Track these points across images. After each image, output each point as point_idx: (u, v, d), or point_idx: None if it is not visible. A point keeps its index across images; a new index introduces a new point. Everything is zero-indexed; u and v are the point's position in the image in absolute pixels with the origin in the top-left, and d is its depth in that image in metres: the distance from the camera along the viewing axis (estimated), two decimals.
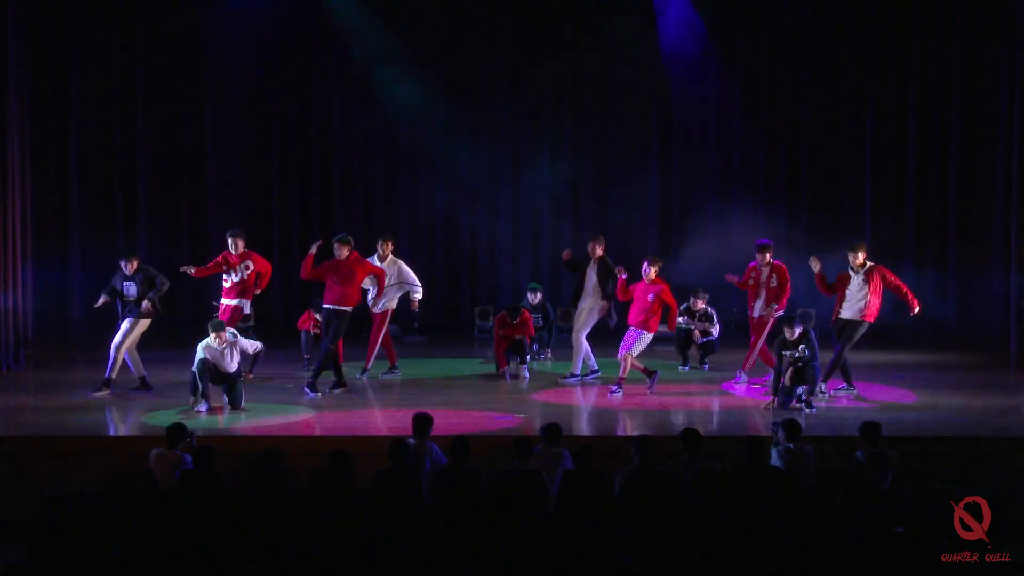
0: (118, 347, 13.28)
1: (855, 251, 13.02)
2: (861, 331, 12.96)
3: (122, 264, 13.53)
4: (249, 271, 14.27)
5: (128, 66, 19.27)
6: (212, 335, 12.38)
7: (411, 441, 9.56)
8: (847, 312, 12.97)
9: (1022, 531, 8.60)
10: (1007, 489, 9.43)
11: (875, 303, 12.90)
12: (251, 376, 12.53)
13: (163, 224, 19.55)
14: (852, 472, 9.34)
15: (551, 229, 19.95)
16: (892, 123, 19.23)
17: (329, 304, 13.47)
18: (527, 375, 14.63)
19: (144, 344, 13.66)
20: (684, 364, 15.38)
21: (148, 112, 19.42)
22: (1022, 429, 11.87)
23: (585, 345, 14.11)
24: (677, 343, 15.62)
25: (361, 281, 13.73)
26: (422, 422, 9.74)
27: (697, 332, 15.51)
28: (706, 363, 15.47)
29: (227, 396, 12.40)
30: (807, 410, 12.07)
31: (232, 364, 12.45)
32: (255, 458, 9.25)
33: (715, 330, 15.61)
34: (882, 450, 9.44)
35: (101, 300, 13.69)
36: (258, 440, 10.91)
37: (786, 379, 12.25)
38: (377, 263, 14.22)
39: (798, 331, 12.28)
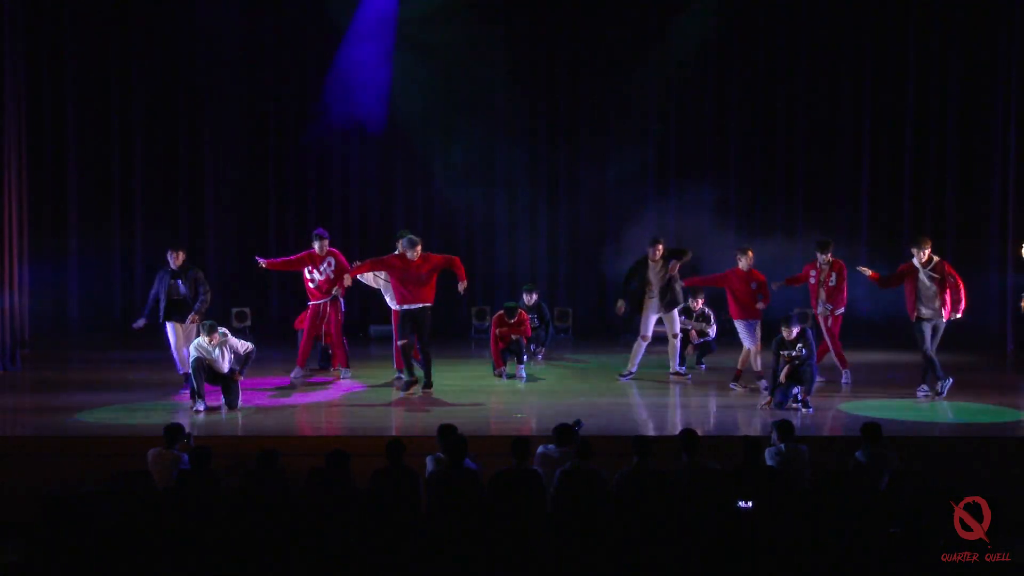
0: (179, 349, 13.43)
1: (921, 246, 12.96)
2: (941, 329, 13.02)
3: (168, 257, 13.60)
4: (332, 268, 14.35)
5: (125, 66, 19.27)
6: (204, 335, 12.39)
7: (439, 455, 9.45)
8: (927, 311, 12.95)
9: (1019, 531, 8.62)
10: (1004, 489, 9.44)
11: (946, 298, 12.87)
12: (241, 377, 12.53)
13: (160, 224, 19.54)
14: (851, 472, 9.34)
15: (548, 229, 19.97)
16: (889, 123, 19.26)
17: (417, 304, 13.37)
18: (524, 375, 14.63)
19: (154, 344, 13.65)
20: (681, 364, 15.38)
21: (145, 112, 19.43)
22: (1019, 429, 11.89)
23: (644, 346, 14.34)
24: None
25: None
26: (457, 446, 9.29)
27: (694, 332, 15.53)
28: (702, 363, 15.49)
29: (224, 396, 12.42)
30: (804, 410, 12.09)
31: (224, 364, 12.46)
32: (252, 458, 9.25)
33: (712, 330, 15.64)
34: (882, 450, 9.44)
35: (141, 322, 13.82)
36: (255, 440, 10.89)
37: (783, 379, 12.26)
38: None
39: (796, 331, 12.28)
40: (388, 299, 14.05)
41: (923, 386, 13.13)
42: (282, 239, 19.83)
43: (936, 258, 12.96)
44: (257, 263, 14.35)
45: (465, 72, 19.49)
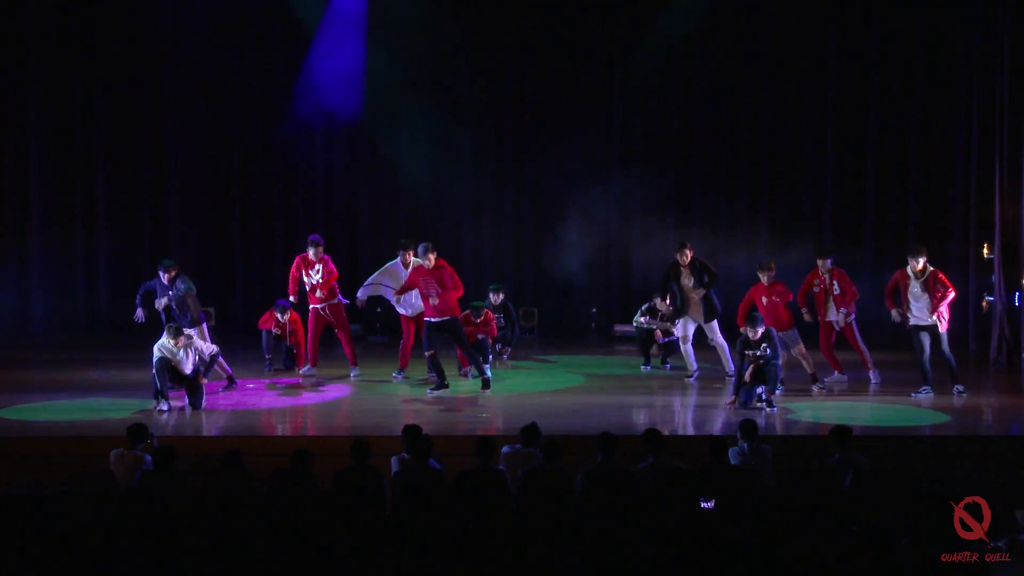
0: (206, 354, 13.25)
1: (916, 255, 13.05)
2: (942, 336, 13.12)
3: (161, 274, 13.48)
4: (319, 275, 14.41)
5: (88, 66, 19.14)
6: (169, 338, 12.32)
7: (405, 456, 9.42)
8: (919, 319, 13.05)
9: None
10: (967, 488, 9.49)
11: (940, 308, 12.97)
12: (204, 380, 12.47)
13: (124, 224, 19.43)
14: (816, 472, 9.37)
15: (513, 230, 19.97)
16: (851, 125, 19.38)
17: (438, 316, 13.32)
18: (489, 374, 14.61)
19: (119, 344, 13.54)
20: (646, 364, 15.43)
21: (108, 111, 19.31)
22: (980, 428, 11.99)
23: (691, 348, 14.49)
24: (639, 343, 15.71)
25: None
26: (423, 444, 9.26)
27: (659, 332, 15.56)
28: (667, 363, 15.53)
29: (188, 397, 12.36)
30: (768, 409, 12.14)
31: (187, 365, 12.41)
32: (216, 458, 9.20)
33: (677, 330, 15.63)
34: (852, 454, 9.43)
35: (139, 312, 13.74)
36: (219, 440, 10.85)
37: (747, 378, 12.31)
38: (402, 269, 14.23)
39: (760, 331, 12.34)
40: (401, 308, 14.24)
41: (925, 387, 13.21)
42: (246, 238, 19.75)
43: (931, 268, 13.04)
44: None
45: (432, 66, 19.46)
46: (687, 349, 14.50)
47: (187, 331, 12.57)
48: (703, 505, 8.57)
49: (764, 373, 12.29)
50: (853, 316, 13.81)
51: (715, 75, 19.60)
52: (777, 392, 12.67)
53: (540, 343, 18.60)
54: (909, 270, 13.06)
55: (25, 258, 18.94)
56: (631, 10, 19.48)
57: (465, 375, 14.57)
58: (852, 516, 8.43)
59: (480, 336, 14.74)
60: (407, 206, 19.93)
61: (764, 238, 18.91)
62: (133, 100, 19.41)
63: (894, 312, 13.26)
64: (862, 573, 7.58)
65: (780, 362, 12.53)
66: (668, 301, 14.46)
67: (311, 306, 14.50)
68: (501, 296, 16.20)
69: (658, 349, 15.62)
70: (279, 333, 15.02)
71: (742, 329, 12.67)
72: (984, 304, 16.78)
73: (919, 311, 13.04)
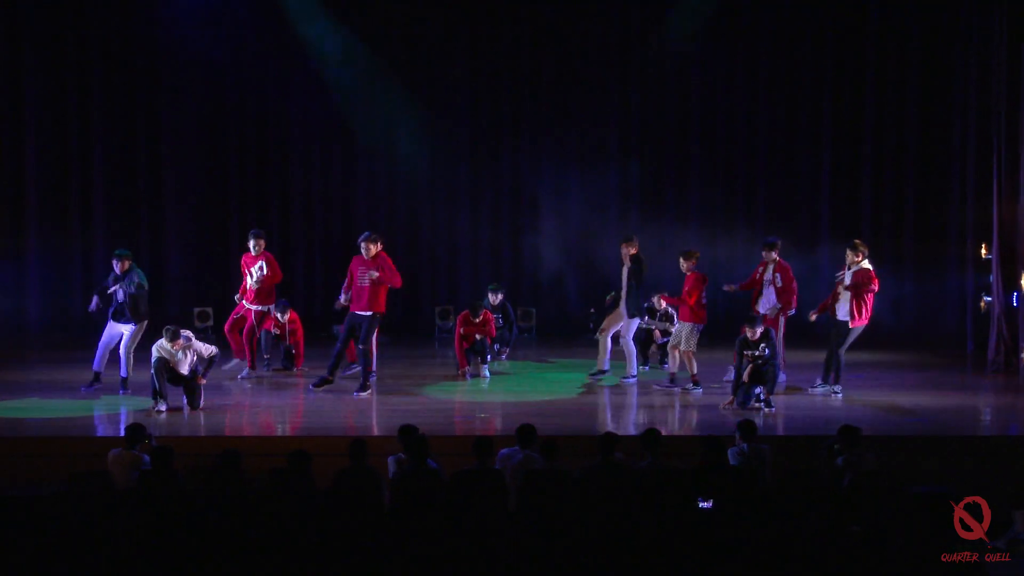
0: (128, 349, 13.23)
1: (858, 250, 13.11)
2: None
3: (114, 264, 13.40)
4: (263, 273, 14.31)
5: (84, 64, 19.08)
6: (166, 340, 12.31)
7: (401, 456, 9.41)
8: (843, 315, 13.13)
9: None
10: (965, 488, 9.49)
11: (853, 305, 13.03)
12: (203, 381, 12.45)
13: (120, 223, 19.38)
14: (814, 471, 9.36)
15: (511, 227, 19.95)
16: (849, 125, 19.35)
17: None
18: (488, 375, 14.62)
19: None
20: (644, 364, 15.41)
21: (104, 110, 19.25)
22: (978, 428, 11.99)
23: (610, 344, 14.19)
24: (637, 343, 15.66)
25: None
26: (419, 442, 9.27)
27: (658, 332, 15.54)
28: (666, 363, 15.49)
29: (186, 397, 12.35)
30: (766, 409, 12.13)
31: (185, 366, 12.39)
32: (214, 458, 9.19)
33: (675, 330, 15.60)
34: (860, 453, 9.39)
35: (94, 304, 13.58)
36: (217, 440, 10.83)
37: (745, 378, 12.31)
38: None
39: (759, 331, 12.34)
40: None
41: (820, 382, 13.30)
42: (243, 239, 19.69)
43: (863, 267, 13.09)
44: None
45: (425, 70, 19.48)
46: (616, 348, 14.23)
47: (184, 333, 12.54)
48: (701, 505, 8.57)
49: (762, 373, 12.29)
50: (791, 312, 13.77)
51: (712, 76, 19.56)
52: (782, 378, 12.68)
53: (538, 343, 18.58)
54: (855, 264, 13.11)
55: (21, 258, 18.89)
56: (633, 9, 19.47)
57: (463, 376, 14.54)
58: (851, 516, 8.43)
59: (478, 336, 14.70)
60: (405, 208, 19.89)
61: (760, 236, 18.85)
62: (128, 99, 19.33)
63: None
64: (861, 573, 7.58)
65: (779, 362, 12.52)
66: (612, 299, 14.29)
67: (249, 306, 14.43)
68: (500, 296, 16.17)
69: (656, 349, 15.60)
70: (278, 333, 14.97)
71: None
72: (982, 305, 16.77)
73: (842, 305, 13.11)
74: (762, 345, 12.31)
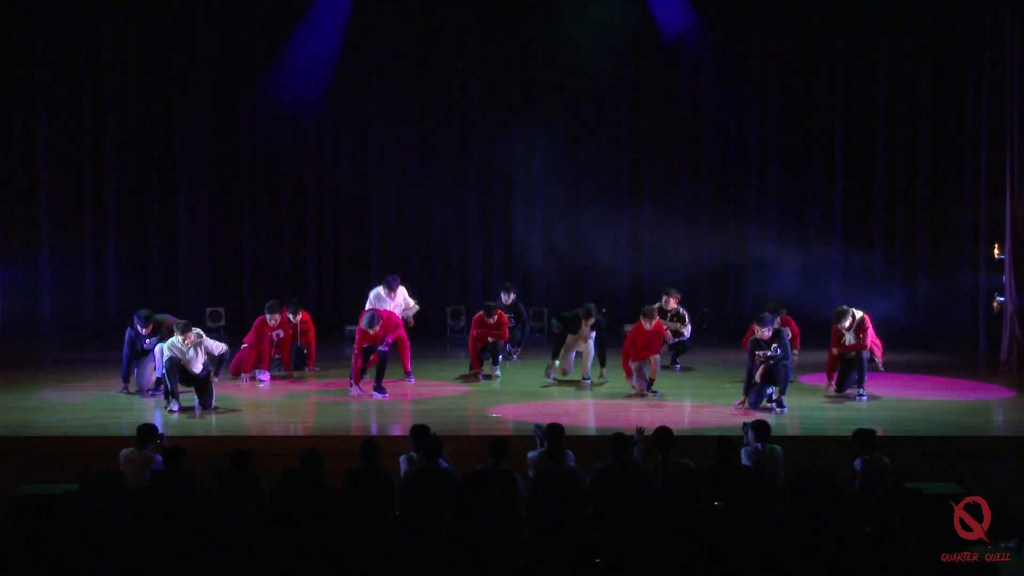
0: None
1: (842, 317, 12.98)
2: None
3: (138, 325, 13.35)
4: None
5: (97, 65, 19.11)
6: (178, 334, 12.33)
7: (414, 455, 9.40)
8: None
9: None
10: (976, 488, 9.46)
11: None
12: (216, 379, 12.48)
13: (133, 225, 19.43)
14: (829, 473, 9.32)
15: (523, 228, 19.92)
16: (861, 126, 19.29)
17: None
18: (499, 374, 14.62)
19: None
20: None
21: (117, 111, 19.28)
22: (991, 428, 11.96)
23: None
24: None
25: None
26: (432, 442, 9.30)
27: (669, 332, 15.46)
28: (677, 363, 15.48)
29: (198, 396, 12.37)
30: (778, 410, 12.11)
31: (197, 364, 12.40)
32: (225, 458, 9.20)
33: (687, 330, 15.53)
34: (876, 457, 9.34)
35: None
36: (228, 440, 10.85)
37: (758, 378, 12.28)
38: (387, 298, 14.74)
39: (770, 331, 12.30)
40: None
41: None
42: (255, 239, 19.74)
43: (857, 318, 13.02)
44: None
45: (436, 70, 19.49)
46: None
47: (196, 330, 12.56)
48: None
49: (775, 374, 12.26)
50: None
51: (724, 73, 19.50)
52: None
53: (549, 343, 18.51)
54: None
55: (35, 258, 18.95)
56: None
57: (476, 376, 14.53)
58: (862, 516, 8.40)
59: (491, 339, 14.67)
60: (415, 212, 19.88)
61: (773, 239, 18.85)
62: (141, 99, 19.37)
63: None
64: (873, 574, 7.56)
65: (791, 363, 12.49)
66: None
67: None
68: (512, 295, 16.12)
69: (668, 349, 15.54)
70: (290, 333, 14.96)
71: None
72: (995, 304, 16.74)
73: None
74: (774, 345, 12.28)
